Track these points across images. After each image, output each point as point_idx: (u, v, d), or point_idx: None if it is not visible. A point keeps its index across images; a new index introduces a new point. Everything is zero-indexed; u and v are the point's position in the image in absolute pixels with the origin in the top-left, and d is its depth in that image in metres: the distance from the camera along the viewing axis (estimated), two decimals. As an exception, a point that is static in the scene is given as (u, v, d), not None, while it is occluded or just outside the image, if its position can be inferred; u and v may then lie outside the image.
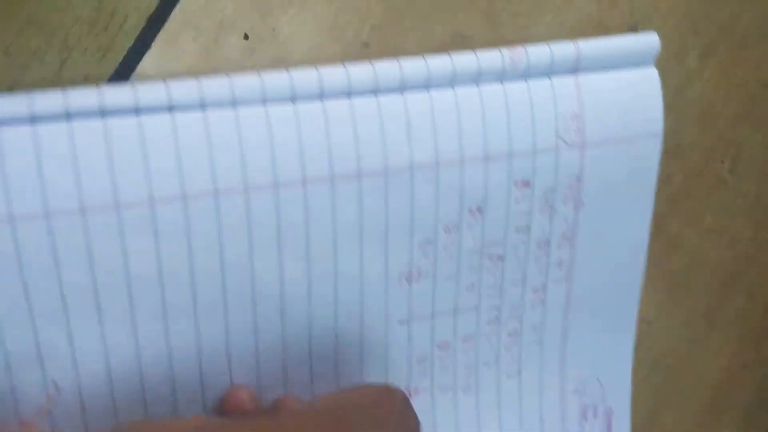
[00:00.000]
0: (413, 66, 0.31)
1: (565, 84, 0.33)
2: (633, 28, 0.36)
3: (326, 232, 0.31)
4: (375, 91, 0.31)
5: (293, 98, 0.30)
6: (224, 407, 0.31)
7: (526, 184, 0.34)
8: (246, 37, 0.30)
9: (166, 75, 0.29)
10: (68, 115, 0.27)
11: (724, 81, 0.38)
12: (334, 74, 0.30)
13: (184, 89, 0.28)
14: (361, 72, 0.30)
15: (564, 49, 0.33)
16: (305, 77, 0.30)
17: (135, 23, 0.29)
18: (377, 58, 0.32)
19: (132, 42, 0.29)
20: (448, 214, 0.33)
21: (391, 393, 0.28)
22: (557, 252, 0.36)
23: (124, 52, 0.29)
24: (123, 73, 0.29)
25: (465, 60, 0.32)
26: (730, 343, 0.43)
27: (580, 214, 0.35)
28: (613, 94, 0.34)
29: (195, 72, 0.30)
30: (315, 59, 0.31)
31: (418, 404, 0.36)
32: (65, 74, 0.28)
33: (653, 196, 0.36)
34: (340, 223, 0.32)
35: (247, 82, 0.29)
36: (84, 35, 0.28)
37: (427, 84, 0.31)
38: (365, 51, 0.32)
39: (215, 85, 0.28)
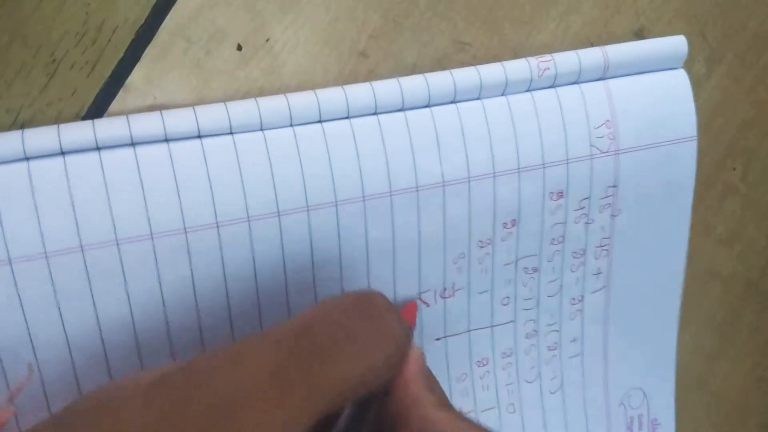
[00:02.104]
0: (439, 80, 0.30)
1: (595, 90, 0.33)
2: (639, 34, 0.35)
3: (359, 251, 0.31)
4: (402, 108, 0.30)
5: (321, 120, 0.29)
6: None
7: (561, 194, 0.33)
8: (239, 47, 0.29)
9: (156, 88, 0.28)
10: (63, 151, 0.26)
11: (732, 87, 0.37)
12: (359, 92, 0.29)
13: (179, 119, 0.27)
14: (386, 88, 0.30)
15: (592, 55, 0.32)
16: (331, 97, 0.29)
17: (124, 36, 0.28)
18: (376, 69, 0.31)
19: (121, 55, 0.28)
20: (482, 229, 0.32)
21: (367, 299, 0.24)
22: (594, 261, 0.35)
23: (113, 66, 0.28)
24: (112, 86, 0.28)
25: (492, 71, 0.31)
26: (744, 355, 0.42)
27: (616, 222, 0.35)
28: (644, 99, 0.33)
29: (186, 83, 0.29)
30: (311, 70, 0.30)
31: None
32: (52, 89, 0.27)
33: (692, 201, 0.35)
34: (372, 241, 0.31)
35: (275, 104, 0.29)
36: (72, 49, 0.27)
37: (453, 97, 0.31)
38: (363, 61, 0.31)
39: (241, 110, 0.28)
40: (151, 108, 0.28)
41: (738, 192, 0.39)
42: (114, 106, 0.28)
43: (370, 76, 0.31)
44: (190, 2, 0.28)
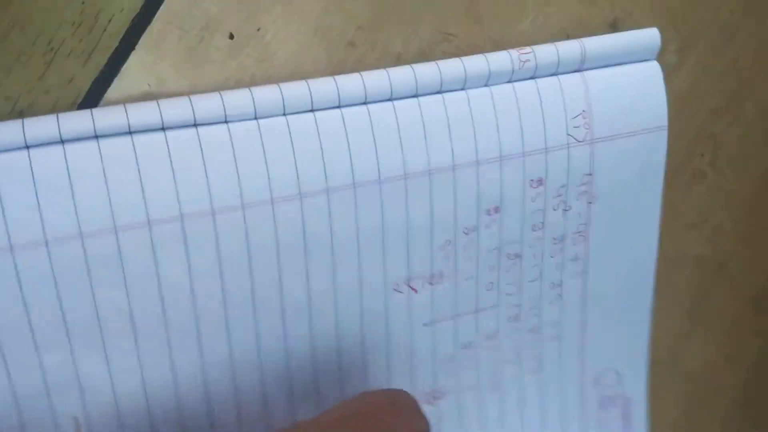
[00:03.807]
0: (425, 71, 0.31)
1: (572, 82, 0.34)
2: (613, 26, 0.36)
3: (351, 238, 0.32)
4: (390, 97, 0.31)
5: (313, 109, 0.30)
6: None
7: (540, 182, 0.34)
8: (231, 36, 0.30)
9: (150, 76, 0.29)
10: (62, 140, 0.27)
11: (703, 76, 0.39)
12: (349, 82, 0.30)
13: (176, 108, 0.28)
14: (375, 79, 0.31)
15: (570, 48, 0.34)
16: (323, 87, 0.30)
17: (119, 25, 0.28)
18: (363, 59, 0.32)
19: (117, 43, 0.28)
20: (467, 216, 0.34)
21: (397, 397, 0.28)
22: (572, 248, 0.36)
23: (109, 54, 0.28)
24: (108, 74, 0.28)
25: (475, 62, 0.32)
26: (713, 335, 0.44)
27: (592, 209, 0.36)
28: (619, 90, 0.35)
29: (180, 71, 0.29)
30: (301, 59, 0.31)
31: (444, 405, 0.37)
32: (50, 76, 0.28)
33: (662, 188, 0.37)
34: (363, 228, 0.32)
35: (268, 93, 0.30)
36: (69, 38, 0.28)
37: (440, 88, 0.32)
38: (351, 51, 0.32)
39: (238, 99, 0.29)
40: (146, 96, 0.29)
41: (706, 177, 0.40)
42: (110, 93, 0.29)
43: (358, 65, 0.32)
44: (184, -8, 0.29)
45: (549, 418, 0.39)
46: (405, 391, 0.28)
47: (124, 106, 0.28)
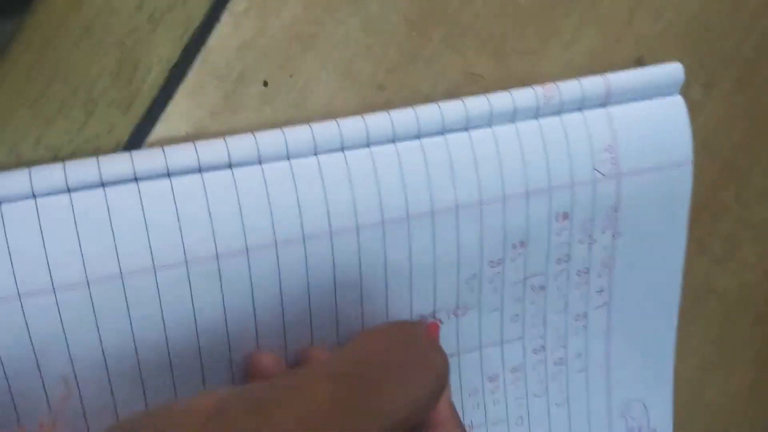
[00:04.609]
0: (452, 108, 0.32)
1: (597, 117, 0.35)
2: (639, 62, 0.36)
3: (378, 273, 0.32)
4: (418, 135, 0.32)
5: (343, 148, 0.31)
6: (249, 375, 0.31)
7: (566, 216, 0.35)
8: (265, 84, 0.31)
9: (188, 124, 0.30)
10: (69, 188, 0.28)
11: (727, 111, 0.39)
12: (378, 120, 0.31)
13: (211, 150, 0.29)
14: (402, 117, 0.31)
15: (594, 83, 0.34)
16: (352, 126, 0.31)
17: (158, 74, 0.29)
18: (393, 100, 0.33)
19: (156, 92, 0.29)
20: (493, 250, 0.34)
21: (415, 328, 0.27)
22: (597, 280, 0.37)
23: (148, 103, 0.29)
24: (147, 122, 0.29)
25: (501, 99, 0.33)
26: (738, 368, 0.44)
27: (617, 242, 0.36)
28: (644, 124, 0.35)
29: (217, 118, 0.30)
30: (332, 103, 0.32)
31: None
32: (91, 126, 0.29)
33: (687, 221, 0.37)
34: (390, 263, 0.32)
35: (299, 134, 0.30)
36: (109, 88, 0.29)
37: (466, 125, 0.32)
38: (381, 94, 0.32)
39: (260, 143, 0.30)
40: (184, 142, 0.30)
41: (731, 212, 0.41)
42: (149, 141, 0.29)
43: (388, 107, 0.33)
44: (219, 42, 0.30)
45: None
46: (420, 323, 0.27)
47: (162, 149, 0.29)
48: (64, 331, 0.28)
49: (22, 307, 0.27)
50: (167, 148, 0.29)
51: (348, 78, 0.32)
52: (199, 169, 0.29)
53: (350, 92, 0.32)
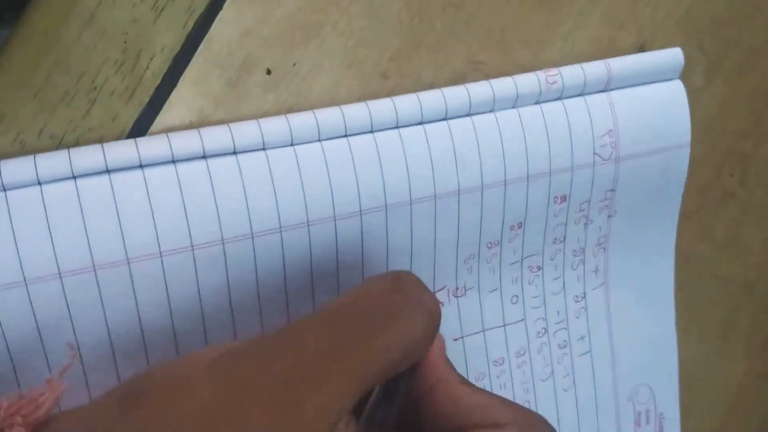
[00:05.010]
0: (455, 94, 0.32)
1: (598, 102, 0.35)
2: (641, 49, 0.36)
3: (380, 257, 0.33)
4: (421, 121, 0.32)
5: (347, 134, 0.31)
6: None
7: (564, 198, 0.35)
8: (269, 72, 0.31)
9: (191, 112, 0.30)
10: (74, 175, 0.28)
11: (729, 96, 0.39)
12: (381, 107, 0.31)
13: (216, 137, 0.29)
14: (406, 103, 0.31)
15: (596, 68, 0.34)
16: (356, 112, 0.31)
17: (161, 63, 0.29)
18: (396, 89, 0.33)
19: (159, 81, 0.29)
20: (491, 232, 0.34)
21: (402, 276, 0.26)
22: (593, 259, 0.37)
23: (152, 92, 0.29)
24: (150, 111, 0.29)
25: (503, 85, 0.33)
26: (744, 353, 0.44)
27: (612, 222, 0.36)
28: (644, 109, 0.35)
29: (220, 107, 0.30)
30: (335, 91, 0.32)
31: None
32: (94, 115, 0.29)
33: (680, 203, 0.38)
34: (392, 246, 0.33)
35: (303, 119, 0.30)
36: (112, 76, 0.29)
37: (469, 110, 0.33)
38: (384, 82, 0.32)
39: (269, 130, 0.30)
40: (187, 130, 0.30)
41: (735, 197, 0.41)
42: (153, 130, 0.29)
43: (391, 95, 0.32)
44: (222, 30, 0.30)
45: None
46: (409, 272, 0.27)
47: (167, 135, 0.29)
48: (70, 317, 0.28)
49: (28, 293, 0.27)
50: (172, 135, 0.29)
51: (351, 66, 0.32)
52: (204, 156, 0.29)
53: (353, 80, 0.32)
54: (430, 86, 0.33)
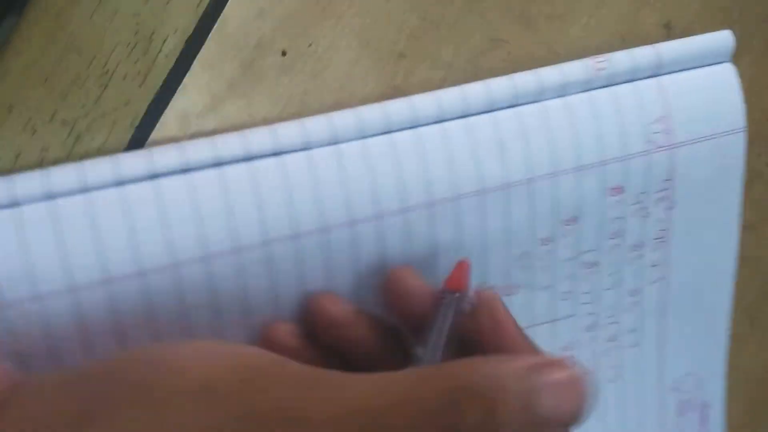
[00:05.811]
0: (499, 85, 0.31)
1: (648, 88, 0.34)
2: (667, 26, 0.35)
3: (429, 256, 0.32)
4: (465, 114, 0.31)
5: (390, 131, 0.30)
6: (263, 341, 0.30)
7: (620, 189, 0.34)
8: (284, 53, 0.30)
9: (206, 95, 0.29)
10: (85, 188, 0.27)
11: (758, 76, 0.38)
12: (424, 101, 0.30)
13: (228, 144, 0.29)
14: (449, 97, 0.31)
15: (645, 53, 0.33)
16: (397, 108, 0.30)
17: (174, 46, 0.29)
18: (413, 68, 0.32)
19: (172, 64, 0.29)
20: (543, 227, 0.33)
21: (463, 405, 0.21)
22: (652, 254, 0.36)
23: (165, 75, 0.29)
24: (164, 95, 0.29)
25: (550, 73, 0.32)
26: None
27: (672, 214, 0.35)
28: (696, 93, 0.34)
29: (235, 89, 0.29)
30: (352, 72, 0.31)
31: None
32: (106, 99, 0.28)
33: (741, 190, 0.37)
34: (441, 244, 0.32)
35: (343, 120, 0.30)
36: (124, 60, 0.28)
37: (515, 101, 0.32)
38: (402, 61, 0.32)
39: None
40: (201, 114, 0.29)
41: (763, 177, 0.40)
42: (167, 114, 0.29)
43: (409, 75, 0.32)
44: (236, 11, 0.29)
45: (628, 424, 0.39)
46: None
47: (179, 146, 0.28)
48: (85, 330, 0.28)
49: (43, 307, 0.27)
50: (184, 144, 0.28)
51: (368, 46, 0.31)
52: (217, 164, 0.28)
53: (370, 60, 0.31)
54: (450, 65, 0.32)
